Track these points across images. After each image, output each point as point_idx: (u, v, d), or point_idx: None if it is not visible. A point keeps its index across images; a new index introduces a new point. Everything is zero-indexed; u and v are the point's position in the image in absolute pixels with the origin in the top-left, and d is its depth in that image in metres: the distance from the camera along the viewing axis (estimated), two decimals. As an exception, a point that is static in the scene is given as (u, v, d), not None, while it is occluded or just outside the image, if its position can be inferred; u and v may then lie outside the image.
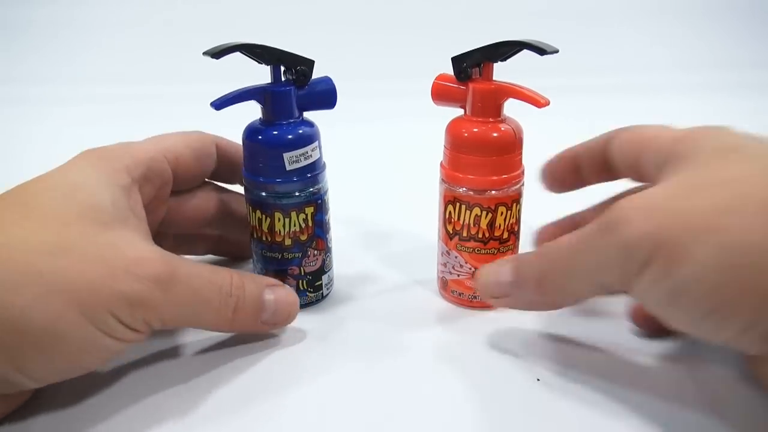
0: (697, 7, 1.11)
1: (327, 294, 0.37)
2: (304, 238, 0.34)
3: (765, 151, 0.24)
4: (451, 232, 0.34)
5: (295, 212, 0.33)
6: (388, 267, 0.41)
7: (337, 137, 0.42)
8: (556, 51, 0.30)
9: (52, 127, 0.82)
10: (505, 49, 0.31)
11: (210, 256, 0.42)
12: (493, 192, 0.33)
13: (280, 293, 0.32)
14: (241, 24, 1.07)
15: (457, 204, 0.33)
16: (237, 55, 0.31)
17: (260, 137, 0.32)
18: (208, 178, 0.37)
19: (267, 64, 0.32)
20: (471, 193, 0.33)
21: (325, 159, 0.35)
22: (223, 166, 0.36)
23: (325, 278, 0.36)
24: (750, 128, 0.26)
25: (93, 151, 0.30)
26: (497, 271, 0.30)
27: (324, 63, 0.34)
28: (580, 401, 0.28)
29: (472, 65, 0.32)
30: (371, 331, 0.34)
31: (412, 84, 0.44)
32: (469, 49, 0.32)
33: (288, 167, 0.32)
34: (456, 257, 0.35)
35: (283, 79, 0.33)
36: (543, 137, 0.38)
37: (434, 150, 0.36)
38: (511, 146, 0.32)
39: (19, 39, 1.10)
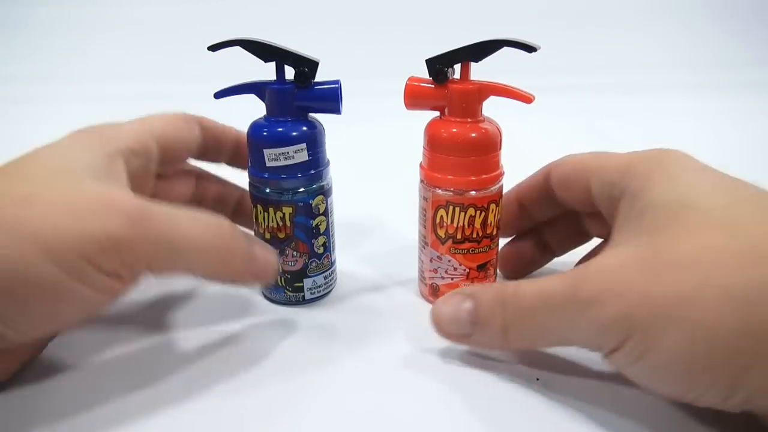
0: (697, 7, 1.11)
1: (312, 297, 0.36)
2: (281, 236, 0.34)
3: (720, 208, 0.24)
4: (443, 236, 0.33)
5: (272, 208, 0.33)
6: (379, 268, 0.41)
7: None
8: (539, 48, 0.30)
9: (52, 126, 0.82)
10: (488, 49, 0.31)
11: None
12: (491, 189, 0.33)
13: (265, 249, 0.31)
14: (248, 22, 1.07)
15: (450, 207, 0.32)
16: (246, 55, 0.31)
17: (250, 129, 0.33)
18: (195, 158, 0.37)
19: (266, 61, 0.32)
20: (473, 193, 0.32)
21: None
22: (208, 144, 0.36)
23: (308, 282, 0.35)
24: (750, 128, 0.26)
25: (83, 128, 0.31)
26: (456, 309, 0.28)
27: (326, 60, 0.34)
28: (580, 401, 0.28)
29: (450, 66, 0.32)
30: (365, 331, 0.34)
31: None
32: (446, 50, 0.31)
33: (267, 163, 0.32)
34: (449, 260, 0.34)
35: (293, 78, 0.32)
36: (543, 137, 0.38)
37: (413, 148, 0.35)
38: (498, 142, 0.32)
39: (18, 38, 1.10)
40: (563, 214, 0.36)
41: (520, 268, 0.38)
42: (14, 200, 0.24)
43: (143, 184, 0.33)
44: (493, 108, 0.33)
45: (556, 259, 0.38)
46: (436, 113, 0.33)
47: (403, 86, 0.33)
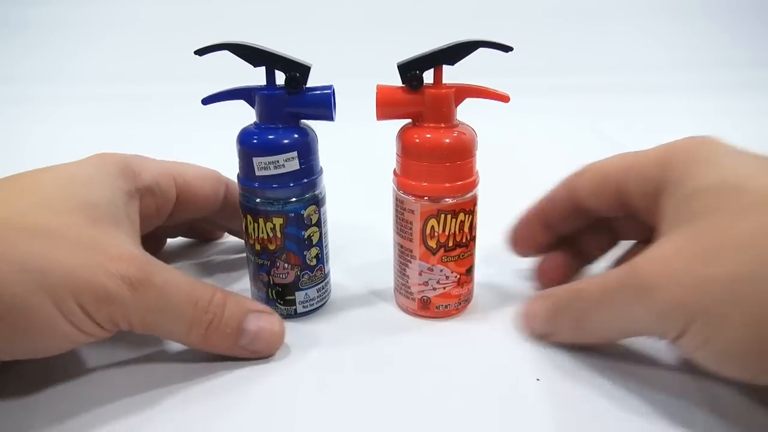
0: (697, 7, 1.11)
1: (304, 311, 0.35)
2: (272, 247, 0.33)
3: (765, 187, 0.24)
4: (434, 247, 0.33)
5: (262, 219, 0.32)
6: (375, 278, 0.40)
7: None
8: (513, 48, 0.29)
9: (52, 126, 0.82)
10: (464, 51, 0.30)
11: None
12: (475, 190, 0.33)
13: (264, 321, 0.30)
14: (248, 24, 1.07)
15: (441, 215, 0.32)
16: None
17: (239, 136, 0.32)
18: (212, 218, 0.39)
19: (255, 66, 0.31)
20: (469, 195, 0.32)
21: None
22: (227, 209, 0.38)
23: (300, 295, 0.34)
24: (750, 128, 0.26)
25: (107, 154, 0.31)
26: (538, 310, 0.32)
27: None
28: (579, 401, 0.28)
29: (425, 70, 0.30)
30: (360, 344, 0.33)
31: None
32: (416, 55, 0.30)
33: (257, 172, 0.31)
34: (441, 270, 0.33)
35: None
36: (545, 136, 0.38)
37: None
38: (476, 142, 0.32)
39: (18, 38, 1.10)
40: (593, 221, 0.35)
41: (562, 281, 0.37)
42: (34, 232, 0.25)
43: (153, 221, 0.34)
44: (493, 110, 0.33)
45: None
46: (407, 121, 0.32)
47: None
